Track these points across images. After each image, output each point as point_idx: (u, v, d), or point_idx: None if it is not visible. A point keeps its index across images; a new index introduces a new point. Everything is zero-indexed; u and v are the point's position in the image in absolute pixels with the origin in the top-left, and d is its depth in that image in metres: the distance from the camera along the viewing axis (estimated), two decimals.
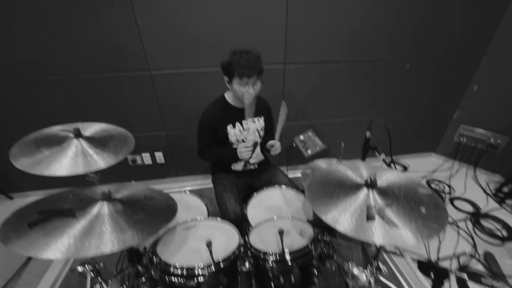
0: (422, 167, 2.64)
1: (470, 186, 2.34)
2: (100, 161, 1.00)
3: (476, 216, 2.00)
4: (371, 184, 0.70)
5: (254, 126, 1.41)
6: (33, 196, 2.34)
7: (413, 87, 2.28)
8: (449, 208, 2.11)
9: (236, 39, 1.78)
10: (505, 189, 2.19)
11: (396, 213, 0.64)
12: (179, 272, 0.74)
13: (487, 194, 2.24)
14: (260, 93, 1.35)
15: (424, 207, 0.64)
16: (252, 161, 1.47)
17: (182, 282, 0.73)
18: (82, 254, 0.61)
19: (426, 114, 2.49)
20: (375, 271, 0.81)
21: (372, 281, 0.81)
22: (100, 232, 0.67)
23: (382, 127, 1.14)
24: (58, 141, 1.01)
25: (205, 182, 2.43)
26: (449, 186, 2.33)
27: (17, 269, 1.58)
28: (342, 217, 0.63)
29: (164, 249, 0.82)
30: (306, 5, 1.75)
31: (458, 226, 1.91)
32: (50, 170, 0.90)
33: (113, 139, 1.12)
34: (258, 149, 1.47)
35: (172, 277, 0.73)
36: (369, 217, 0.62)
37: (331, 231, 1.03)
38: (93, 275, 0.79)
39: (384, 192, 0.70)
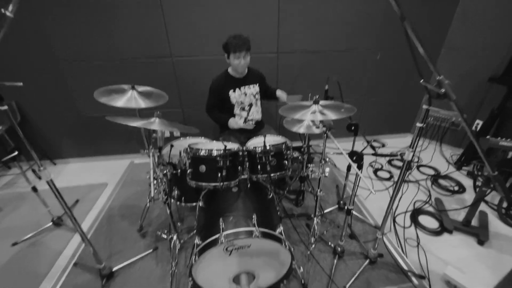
0: (399, 144, 3.09)
1: (436, 157, 2.78)
2: (144, 103, 1.52)
3: (436, 176, 2.44)
4: (315, 101, 1.20)
5: (250, 91, 1.92)
6: (72, 163, 2.87)
7: (385, 74, 2.77)
8: (415, 172, 2.55)
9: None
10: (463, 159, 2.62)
11: (328, 111, 1.14)
12: (205, 153, 1.27)
13: (448, 162, 2.67)
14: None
15: (343, 109, 1.15)
16: (249, 118, 1.97)
17: (206, 155, 1.26)
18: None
19: (399, 100, 2.96)
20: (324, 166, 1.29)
21: (322, 172, 1.29)
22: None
23: (335, 82, 1.67)
24: (121, 91, 1.54)
25: None
26: (418, 157, 2.77)
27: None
28: (296, 115, 1.15)
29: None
30: (292, 7, 2.29)
31: (419, 184, 2.35)
32: (118, 103, 1.42)
33: (153, 94, 1.63)
34: (253, 109, 1.97)
35: (201, 153, 1.27)
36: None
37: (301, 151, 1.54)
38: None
39: (324, 106, 1.21)
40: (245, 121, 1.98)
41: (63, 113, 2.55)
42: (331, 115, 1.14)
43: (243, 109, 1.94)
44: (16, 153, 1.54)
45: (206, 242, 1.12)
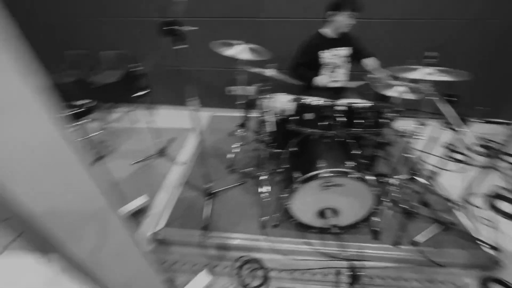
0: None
1: None
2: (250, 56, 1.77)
3: None
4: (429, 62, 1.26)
5: (340, 53, 1.98)
6: (160, 109, 3.36)
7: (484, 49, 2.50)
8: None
9: None
10: None
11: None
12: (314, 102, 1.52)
13: None
14: None
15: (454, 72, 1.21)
16: (338, 78, 2.06)
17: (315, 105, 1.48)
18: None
19: (495, 81, 2.66)
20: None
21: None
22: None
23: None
24: (229, 44, 1.80)
25: None
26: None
27: None
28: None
29: None
30: None
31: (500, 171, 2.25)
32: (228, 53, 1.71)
33: (256, 50, 1.85)
34: (341, 71, 2.05)
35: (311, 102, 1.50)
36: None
37: None
38: None
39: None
40: (331, 82, 2.08)
41: (156, 65, 2.92)
42: (443, 78, 1.19)
43: (331, 70, 2.03)
44: (148, 90, 1.94)
45: (308, 176, 1.36)
